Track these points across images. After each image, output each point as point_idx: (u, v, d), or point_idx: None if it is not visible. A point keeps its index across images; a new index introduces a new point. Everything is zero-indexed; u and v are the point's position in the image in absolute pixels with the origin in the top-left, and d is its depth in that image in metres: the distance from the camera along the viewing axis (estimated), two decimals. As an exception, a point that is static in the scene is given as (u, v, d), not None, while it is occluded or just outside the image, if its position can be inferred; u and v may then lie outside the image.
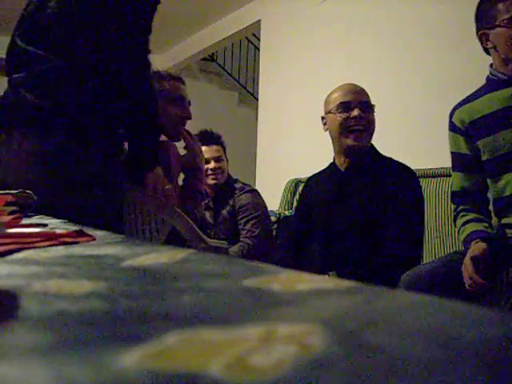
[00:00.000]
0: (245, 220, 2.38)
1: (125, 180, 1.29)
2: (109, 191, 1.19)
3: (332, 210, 1.61)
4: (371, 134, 1.62)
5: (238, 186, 2.49)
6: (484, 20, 1.46)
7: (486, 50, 1.48)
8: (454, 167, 1.54)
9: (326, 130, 1.69)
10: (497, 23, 1.40)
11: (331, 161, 1.75)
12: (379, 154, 1.65)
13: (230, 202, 2.43)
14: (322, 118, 1.70)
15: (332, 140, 1.67)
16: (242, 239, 2.33)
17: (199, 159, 1.76)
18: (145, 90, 1.22)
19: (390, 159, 1.64)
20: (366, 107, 1.59)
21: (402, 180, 1.54)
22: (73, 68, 1.13)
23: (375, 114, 1.66)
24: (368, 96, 1.65)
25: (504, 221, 1.41)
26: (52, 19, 1.13)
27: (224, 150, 2.58)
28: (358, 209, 1.54)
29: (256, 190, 2.56)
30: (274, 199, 3.16)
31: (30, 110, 1.12)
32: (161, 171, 1.39)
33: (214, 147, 2.51)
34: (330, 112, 1.64)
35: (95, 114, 1.16)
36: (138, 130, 1.28)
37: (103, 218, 1.07)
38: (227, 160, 2.58)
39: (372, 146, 1.65)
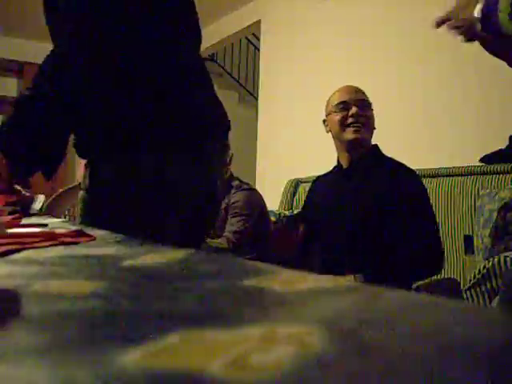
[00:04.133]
0: (232, 215, 2.37)
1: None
2: None
3: (334, 208, 1.62)
4: (371, 130, 1.64)
5: (235, 184, 2.48)
6: None
7: None
8: None
9: (328, 132, 1.72)
10: None
11: (332, 161, 1.76)
12: (382, 154, 1.66)
13: (226, 200, 2.43)
14: (324, 121, 1.73)
15: (334, 140, 1.69)
16: (224, 233, 2.33)
17: None
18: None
19: (394, 160, 1.65)
20: (364, 105, 1.63)
21: (409, 182, 1.54)
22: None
23: (376, 112, 1.67)
24: (365, 95, 1.67)
25: None
26: None
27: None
28: (361, 205, 1.54)
29: (254, 190, 2.55)
30: (274, 199, 3.16)
31: None
32: None
33: None
34: (330, 114, 1.68)
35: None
36: None
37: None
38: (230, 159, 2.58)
39: (376, 145, 1.66)
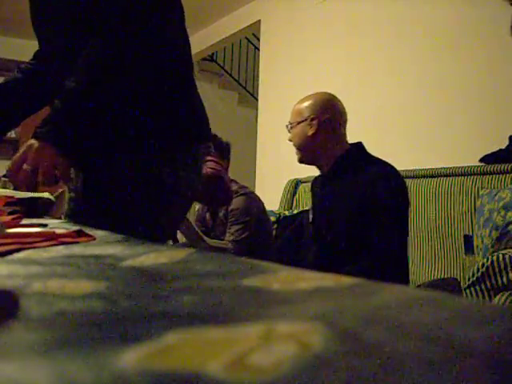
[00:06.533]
0: (231, 223, 2.38)
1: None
2: None
3: (318, 211, 1.65)
4: (303, 148, 1.69)
5: (233, 188, 2.47)
6: None
7: None
8: None
9: None
10: None
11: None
12: (359, 157, 1.58)
13: (224, 206, 2.43)
14: None
15: None
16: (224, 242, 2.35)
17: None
18: None
19: (372, 163, 1.56)
20: (290, 128, 1.79)
21: (379, 189, 1.48)
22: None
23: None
24: (296, 113, 1.78)
25: None
26: None
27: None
28: (333, 211, 1.55)
29: (251, 194, 2.53)
30: (274, 199, 3.16)
31: None
32: None
33: None
34: None
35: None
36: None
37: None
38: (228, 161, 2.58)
39: (349, 148, 1.59)
